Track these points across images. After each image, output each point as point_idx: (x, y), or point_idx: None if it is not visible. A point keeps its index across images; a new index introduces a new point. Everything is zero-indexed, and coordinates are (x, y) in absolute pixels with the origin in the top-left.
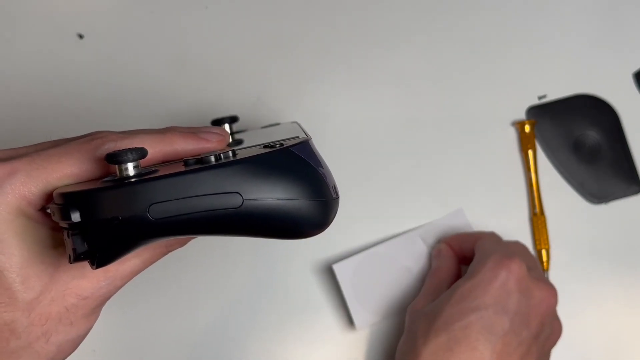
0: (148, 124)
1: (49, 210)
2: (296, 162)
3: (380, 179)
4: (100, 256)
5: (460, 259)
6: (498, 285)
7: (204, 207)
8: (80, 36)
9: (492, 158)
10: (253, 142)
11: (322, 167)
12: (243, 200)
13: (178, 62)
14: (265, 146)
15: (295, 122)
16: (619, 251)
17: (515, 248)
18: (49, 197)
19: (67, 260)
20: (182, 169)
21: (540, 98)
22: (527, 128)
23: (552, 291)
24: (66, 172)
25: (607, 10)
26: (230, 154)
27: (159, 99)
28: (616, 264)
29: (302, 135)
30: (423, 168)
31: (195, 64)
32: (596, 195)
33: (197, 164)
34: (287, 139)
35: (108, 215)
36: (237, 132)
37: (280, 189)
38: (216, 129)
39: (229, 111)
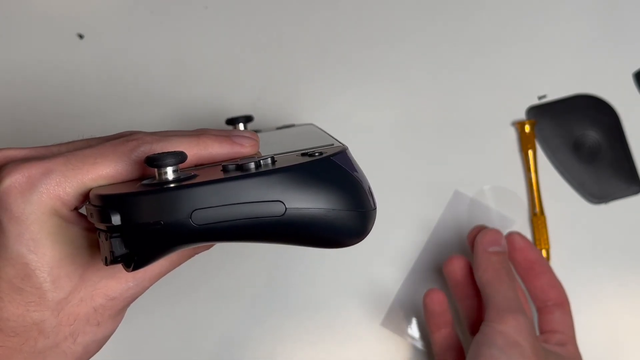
0: (148, 123)
1: (81, 211)
2: (338, 172)
3: (379, 179)
4: (138, 259)
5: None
6: None
7: (247, 214)
8: (80, 36)
9: (492, 158)
10: (275, 144)
11: (362, 178)
12: (286, 209)
13: (178, 62)
14: (304, 154)
15: (313, 124)
16: (619, 251)
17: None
18: (82, 198)
19: (96, 261)
20: (221, 174)
21: (540, 98)
22: (527, 128)
23: None
24: (101, 173)
25: (607, 10)
26: (270, 161)
27: (159, 98)
28: (616, 263)
29: (336, 143)
30: (423, 168)
31: (195, 64)
32: (596, 195)
33: (238, 170)
34: (323, 146)
35: (150, 219)
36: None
37: (322, 199)
38: (247, 133)
39: (228, 111)
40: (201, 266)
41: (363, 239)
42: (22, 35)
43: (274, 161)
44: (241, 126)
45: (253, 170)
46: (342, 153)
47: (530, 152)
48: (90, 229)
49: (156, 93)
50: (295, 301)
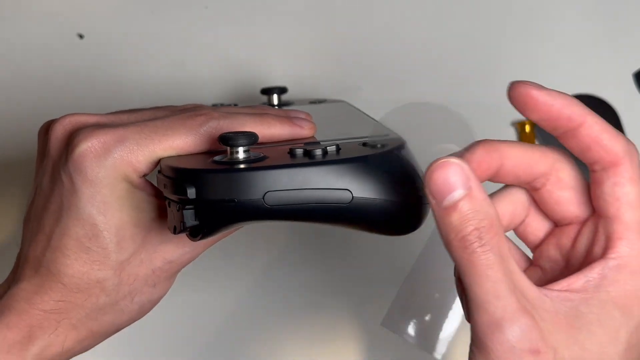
0: None
1: (148, 178)
2: (402, 165)
3: None
4: (206, 231)
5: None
6: None
7: (316, 199)
8: (80, 36)
9: None
10: (325, 125)
11: (420, 172)
12: (352, 197)
13: (178, 62)
14: (365, 144)
15: (345, 102)
16: None
17: None
18: (152, 166)
19: (157, 225)
20: (290, 158)
21: None
22: (527, 128)
23: None
24: (172, 144)
25: (607, 10)
26: (335, 149)
27: (159, 99)
28: None
29: (391, 133)
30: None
31: (195, 64)
32: None
33: (306, 156)
34: (381, 136)
35: (225, 196)
36: (285, 104)
37: (386, 191)
38: (304, 114)
39: None
40: (200, 266)
41: (417, 229)
42: (22, 35)
43: (338, 149)
44: (275, 97)
45: (321, 158)
46: (403, 146)
47: None
48: (154, 195)
49: (156, 93)
50: (295, 301)
